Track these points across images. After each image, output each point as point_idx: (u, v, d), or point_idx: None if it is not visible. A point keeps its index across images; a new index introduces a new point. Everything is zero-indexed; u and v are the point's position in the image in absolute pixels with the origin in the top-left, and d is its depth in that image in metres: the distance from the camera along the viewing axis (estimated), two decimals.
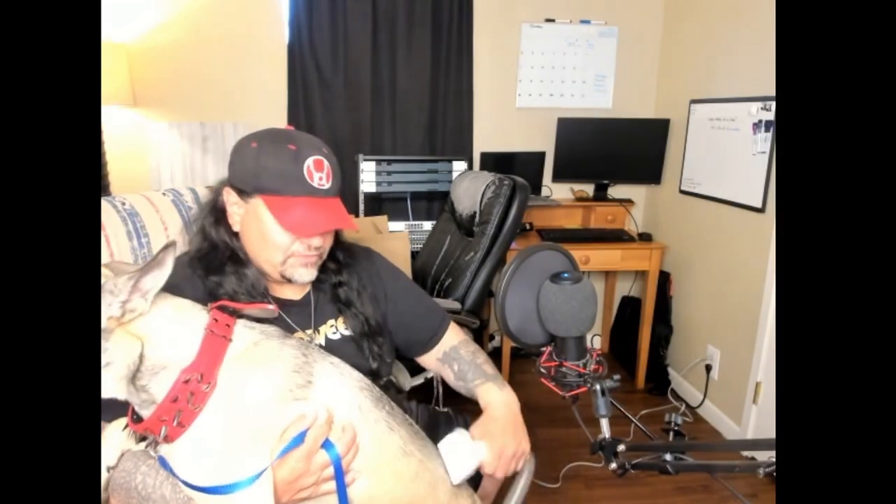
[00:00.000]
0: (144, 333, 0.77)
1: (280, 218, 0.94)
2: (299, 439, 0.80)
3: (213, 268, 0.99)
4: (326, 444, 0.81)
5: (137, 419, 0.81)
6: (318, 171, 0.96)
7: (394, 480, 0.87)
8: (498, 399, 1.03)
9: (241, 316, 0.88)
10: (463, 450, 0.93)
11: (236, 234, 1.02)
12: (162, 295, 0.81)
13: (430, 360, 1.19)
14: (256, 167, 0.95)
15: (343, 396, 0.87)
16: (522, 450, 0.98)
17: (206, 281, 0.99)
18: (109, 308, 0.74)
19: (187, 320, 0.81)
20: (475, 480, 1.16)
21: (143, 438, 0.83)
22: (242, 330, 0.85)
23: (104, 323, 0.73)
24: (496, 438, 0.96)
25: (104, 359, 0.74)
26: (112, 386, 0.77)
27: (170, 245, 0.77)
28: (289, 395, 0.81)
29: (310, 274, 1.02)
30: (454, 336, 1.19)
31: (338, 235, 1.12)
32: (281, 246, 0.97)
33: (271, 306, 0.92)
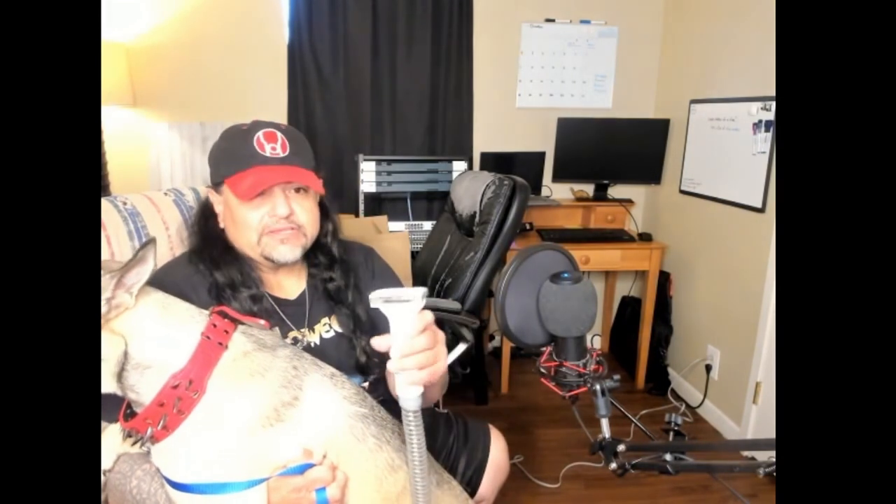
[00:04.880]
0: (129, 331, 0.76)
1: (235, 191, 0.96)
2: (299, 469, 0.78)
3: (213, 261, 1.02)
4: (319, 489, 0.79)
5: (130, 415, 0.80)
6: (271, 142, 0.97)
7: (380, 498, 0.85)
8: None
9: (242, 322, 0.87)
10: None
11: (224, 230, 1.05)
12: (148, 291, 0.80)
13: None
14: (217, 157, 1.02)
15: (329, 411, 0.84)
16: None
17: (209, 275, 1.00)
18: None
19: (175, 321, 0.80)
20: (474, 482, 1.16)
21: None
22: (239, 337, 0.83)
23: None
24: None
25: None
26: (103, 383, 0.76)
27: (150, 242, 0.76)
28: (274, 415, 0.79)
29: (291, 252, 1.00)
30: None
31: (335, 230, 1.12)
32: (250, 223, 0.98)
33: (262, 322, 0.91)
